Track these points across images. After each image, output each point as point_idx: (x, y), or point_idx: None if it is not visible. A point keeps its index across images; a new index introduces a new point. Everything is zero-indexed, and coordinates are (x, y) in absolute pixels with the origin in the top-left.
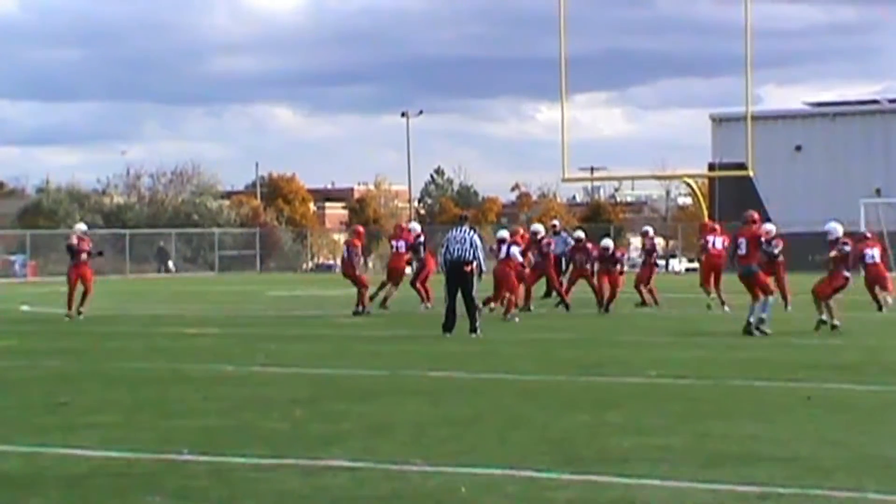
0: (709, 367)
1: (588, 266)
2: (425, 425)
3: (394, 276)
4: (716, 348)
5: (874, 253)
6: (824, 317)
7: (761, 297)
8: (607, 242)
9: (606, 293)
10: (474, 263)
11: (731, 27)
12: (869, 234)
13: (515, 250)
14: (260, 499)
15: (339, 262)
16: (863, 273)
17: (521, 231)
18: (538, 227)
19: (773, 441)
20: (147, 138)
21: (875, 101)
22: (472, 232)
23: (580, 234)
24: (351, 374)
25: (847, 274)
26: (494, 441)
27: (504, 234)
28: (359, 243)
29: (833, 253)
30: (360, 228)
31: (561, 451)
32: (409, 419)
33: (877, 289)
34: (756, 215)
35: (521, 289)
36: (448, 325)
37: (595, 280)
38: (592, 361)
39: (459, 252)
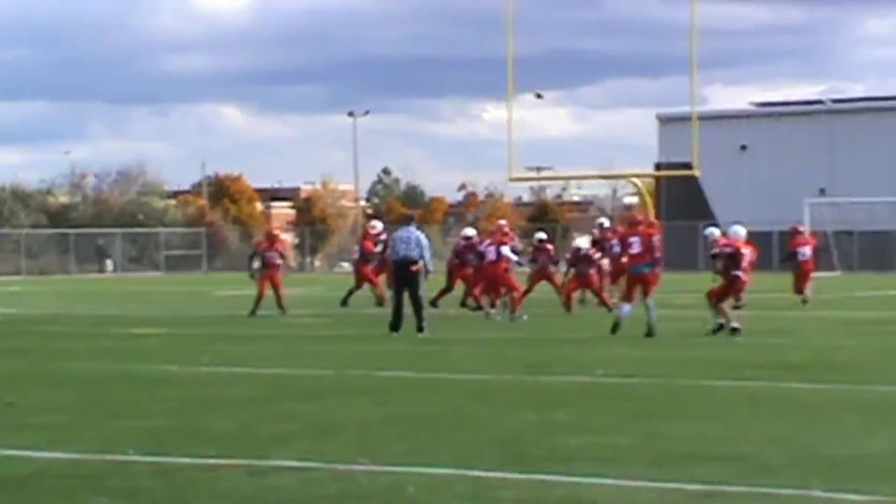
0: (657, 367)
1: (551, 268)
2: (372, 425)
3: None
4: (663, 347)
5: (806, 251)
6: (720, 320)
7: (646, 298)
8: (580, 243)
9: (575, 296)
10: (420, 263)
11: (678, 27)
12: (801, 230)
13: (506, 249)
14: (206, 499)
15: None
16: (794, 270)
17: (507, 228)
18: (470, 232)
19: (720, 440)
20: (92, 138)
21: (820, 102)
22: (418, 231)
23: (542, 235)
24: (298, 374)
25: (737, 273)
26: (442, 441)
27: (470, 231)
28: (275, 246)
29: (716, 252)
30: (275, 232)
31: (508, 450)
32: (355, 419)
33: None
34: (641, 216)
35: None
36: (395, 325)
37: (566, 281)
38: (541, 361)
39: (405, 252)
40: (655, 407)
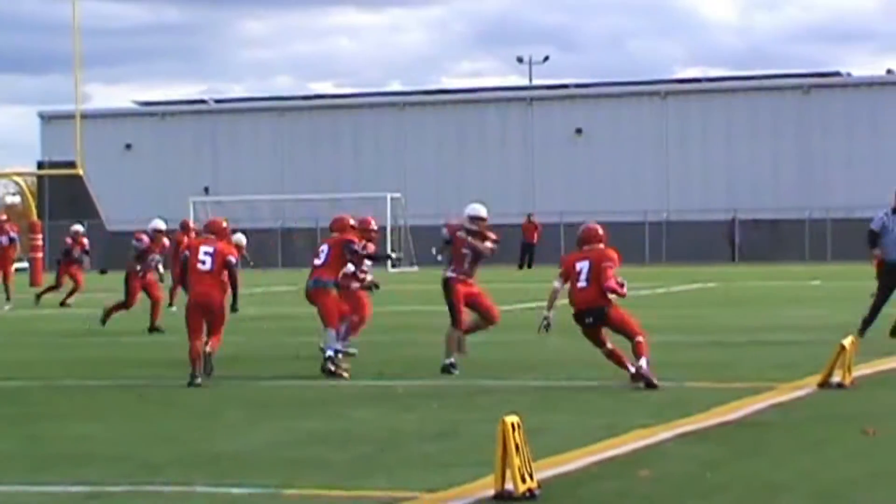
0: (39, 368)
1: None
2: None
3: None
4: (46, 348)
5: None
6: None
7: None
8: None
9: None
10: None
11: (59, 25)
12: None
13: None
14: None
15: None
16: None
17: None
18: None
19: (106, 440)
20: None
21: (203, 101)
22: None
23: None
24: None
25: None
26: None
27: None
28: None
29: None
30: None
31: None
32: None
33: None
34: (350, 221)
35: None
36: None
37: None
38: None
39: None
40: (39, 410)
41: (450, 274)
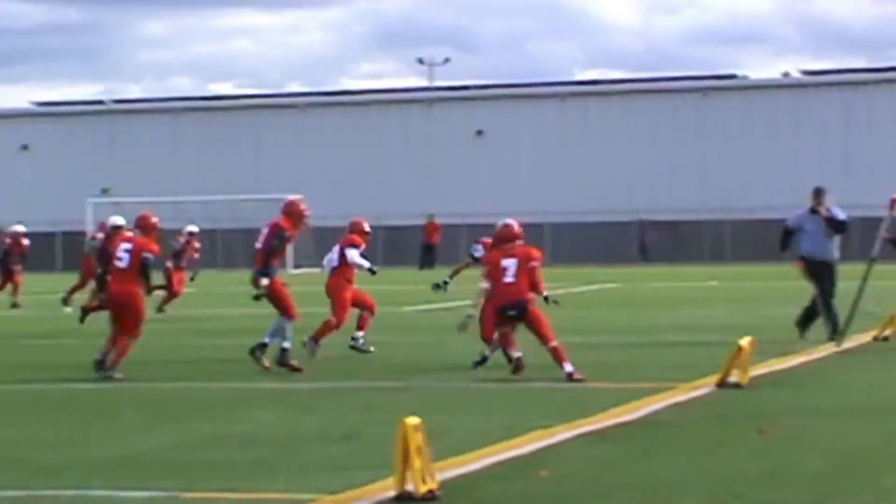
0: None
1: None
2: None
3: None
4: None
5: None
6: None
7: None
8: None
9: None
10: None
11: None
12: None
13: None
14: None
15: None
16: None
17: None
18: None
19: (4, 442)
20: None
21: (101, 102)
22: None
23: None
24: None
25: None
26: None
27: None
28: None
29: None
30: None
31: None
32: None
33: None
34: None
35: None
36: None
37: None
38: None
39: None
40: None
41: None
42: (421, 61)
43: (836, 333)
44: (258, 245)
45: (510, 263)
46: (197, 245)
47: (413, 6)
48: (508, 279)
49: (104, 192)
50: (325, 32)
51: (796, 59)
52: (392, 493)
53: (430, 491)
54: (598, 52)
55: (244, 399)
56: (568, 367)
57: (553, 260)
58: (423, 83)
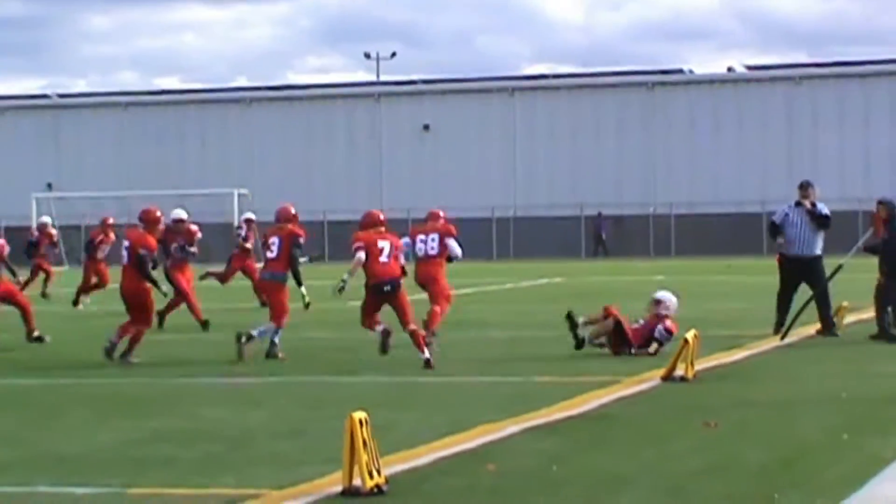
0: None
1: None
2: None
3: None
4: None
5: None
6: None
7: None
8: None
9: None
10: None
11: None
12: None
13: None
14: None
15: None
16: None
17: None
18: None
19: None
20: None
21: (46, 96)
22: None
23: None
24: None
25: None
26: None
27: (181, 213)
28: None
29: None
30: None
31: None
32: None
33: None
34: (291, 210)
35: None
36: None
37: None
38: None
39: None
40: None
41: None
42: (367, 56)
43: (782, 327)
44: (270, 254)
45: (385, 245)
46: None
47: (359, 1)
48: (383, 259)
49: (49, 186)
50: (271, 27)
51: (740, 54)
52: (339, 488)
53: (377, 486)
54: (544, 47)
55: (191, 395)
56: (428, 354)
57: (499, 255)
58: (370, 78)
